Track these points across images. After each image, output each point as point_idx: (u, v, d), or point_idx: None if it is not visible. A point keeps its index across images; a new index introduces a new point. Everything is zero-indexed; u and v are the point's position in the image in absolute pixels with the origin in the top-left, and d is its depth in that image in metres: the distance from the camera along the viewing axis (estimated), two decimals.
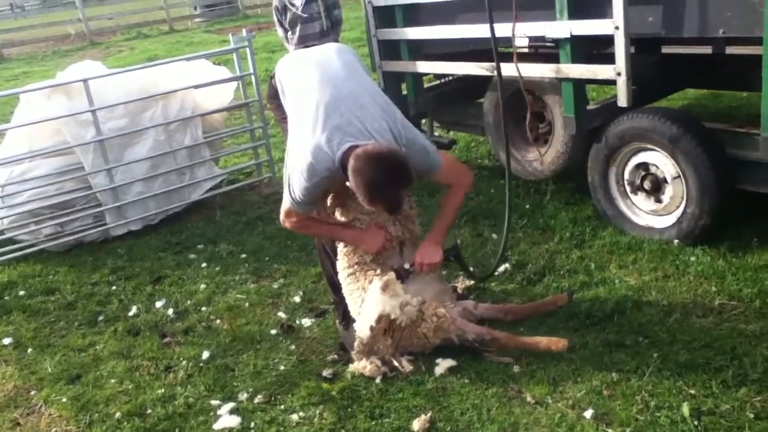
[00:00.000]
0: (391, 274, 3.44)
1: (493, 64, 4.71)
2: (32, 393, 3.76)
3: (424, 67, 5.52)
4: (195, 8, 24.51)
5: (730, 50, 4.86)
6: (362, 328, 3.42)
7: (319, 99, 3.26)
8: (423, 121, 6.17)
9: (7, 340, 4.30)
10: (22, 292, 4.95)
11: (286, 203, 3.42)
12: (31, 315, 4.62)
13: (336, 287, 3.78)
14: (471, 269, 4.06)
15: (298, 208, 3.38)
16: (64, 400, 3.62)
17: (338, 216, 3.63)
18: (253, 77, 6.39)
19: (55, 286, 4.99)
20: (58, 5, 26.59)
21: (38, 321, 4.51)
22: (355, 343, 3.49)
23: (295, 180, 3.28)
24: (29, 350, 4.17)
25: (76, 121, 5.49)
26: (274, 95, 3.95)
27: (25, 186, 5.51)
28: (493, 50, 4.10)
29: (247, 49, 6.28)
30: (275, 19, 6.06)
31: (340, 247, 3.63)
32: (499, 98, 4.37)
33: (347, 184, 3.15)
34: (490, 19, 3.96)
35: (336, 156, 3.15)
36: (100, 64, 6.12)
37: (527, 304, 3.86)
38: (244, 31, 6.33)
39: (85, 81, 5.39)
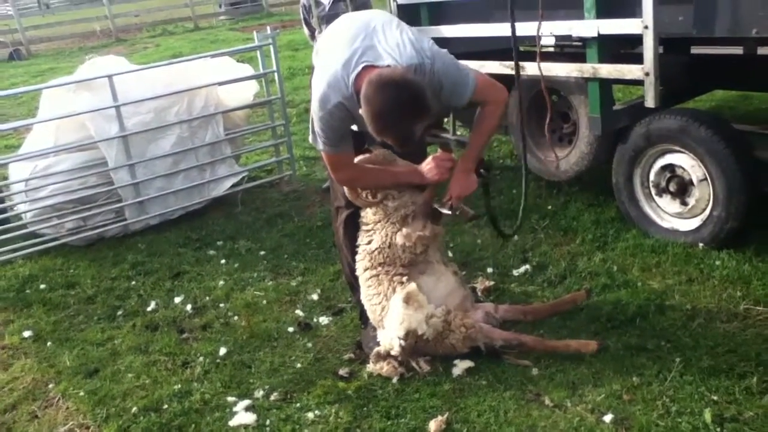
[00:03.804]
0: (413, 285, 3.35)
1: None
2: (50, 386, 3.78)
3: None
4: (220, 6, 24.72)
5: (762, 51, 4.77)
6: (388, 344, 3.37)
7: (343, 35, 3.08)
8: (445, 120, 6.10)
9: (26, 333, 4.32)
10: (42, 286, 4.97)
11: (324, 155, 3.20)
12: (51, 308, 4.64)
13: (354, 288, 3.74)
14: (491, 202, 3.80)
15: (331, 150, 3.14)
16: (82, 393, 3.63)
17: (368, 197, 3.46)
18: (276, 74, 6.38)
19: (75, 280, 5.01)
20: (85, 2, 26.85)
21: (58, 315, 4.53)
22: (374, 351, 3.44)
23: (315, 117, 3.05)
24: (48, 343, 4.19)
25: (102, 116, 5.50)
26: None
27: (49, 180, 5.54)
28: (513, 48, 4.05)
29: (271, 47, 6.28)
30: (302, 17, 6.05)
31: (363, 245, 3.51)
32: (520, 97, 4.30)
33: (360, 112, 2.87)
34: (512, 16, 3.91)
35: (350, 80, 2.92)
36: (123, 59, 6.15)
37: (546, 303, 3.82)
38: (268, 28, 6.33)
39: (110, 77, 5.41)
